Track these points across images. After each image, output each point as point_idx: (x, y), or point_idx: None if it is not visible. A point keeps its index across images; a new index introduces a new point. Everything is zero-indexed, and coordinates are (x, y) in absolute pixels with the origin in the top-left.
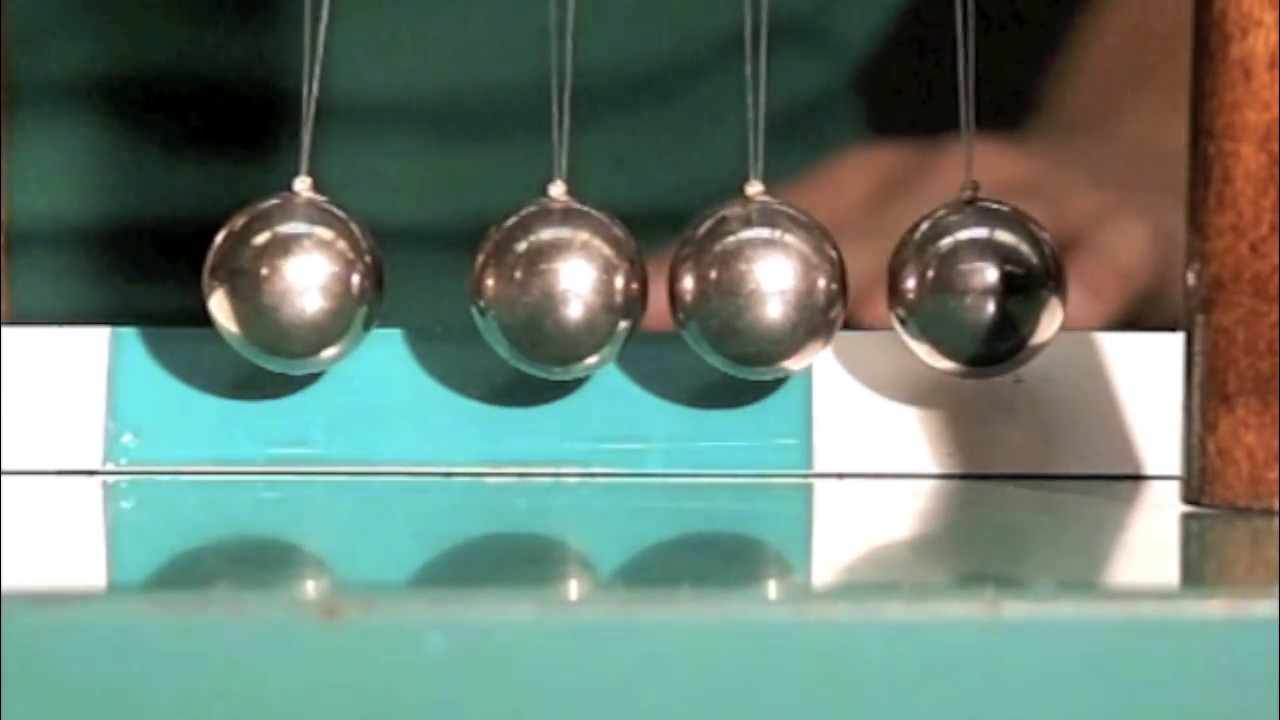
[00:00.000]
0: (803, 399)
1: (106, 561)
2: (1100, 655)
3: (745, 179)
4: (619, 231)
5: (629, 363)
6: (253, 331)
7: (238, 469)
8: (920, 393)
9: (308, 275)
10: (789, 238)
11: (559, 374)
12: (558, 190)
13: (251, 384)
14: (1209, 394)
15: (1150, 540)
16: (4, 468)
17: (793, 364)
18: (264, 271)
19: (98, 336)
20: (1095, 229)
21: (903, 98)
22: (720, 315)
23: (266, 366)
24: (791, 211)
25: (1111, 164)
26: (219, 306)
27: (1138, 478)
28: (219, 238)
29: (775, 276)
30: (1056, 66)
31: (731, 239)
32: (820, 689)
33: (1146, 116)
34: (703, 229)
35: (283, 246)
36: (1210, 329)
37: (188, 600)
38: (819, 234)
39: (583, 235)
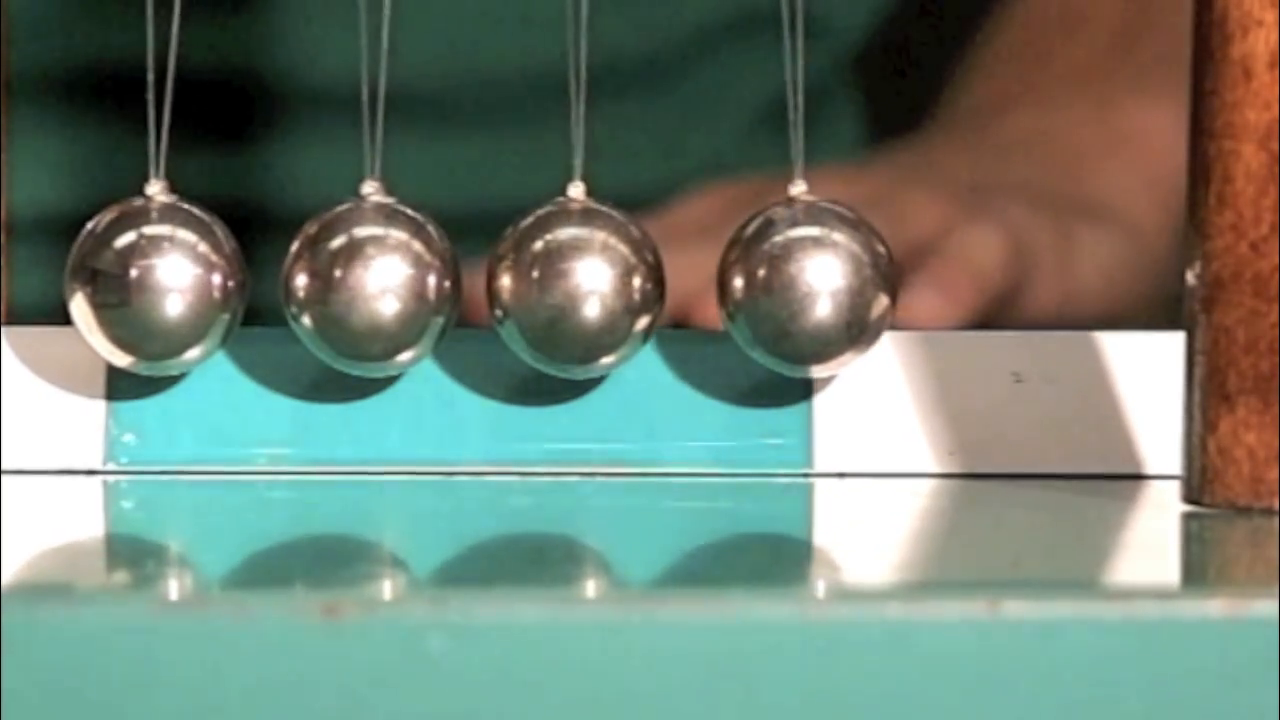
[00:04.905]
0: (803, 399)
1: (106, 561)
2: (1100, 655)
3: (739, 168)
4: (636, 231)
5: (630, 362)
6: (328, 336)
7: (238, 469)
8: (920, 392)
9: (384, 279)
10: (837, 236)
11: (578, 374)
12: (576, 190)
13: (251, 384)
14: (1209, 393)
15: (1150, 540)
16: (4, 468)
17: (834, 366)
18: (337, 275)
19: None
20: (945, 233)
21: (898, 84)
22: (773, 316)
23: (346, 371)
24: (840, 210)
25: (979, 166)
26: (295, 312)
27: (1138, 477)
28: (294, 245)
29: (825, 276)
30: (962, 64)
31: (779, 239)
32: (821, 689)
33: (1038, 106)
34: (750, 229)
35: (356, 250)
36: (1211, 328)
37: (188, 600)
38: (867, 231)
39: (601, 235)
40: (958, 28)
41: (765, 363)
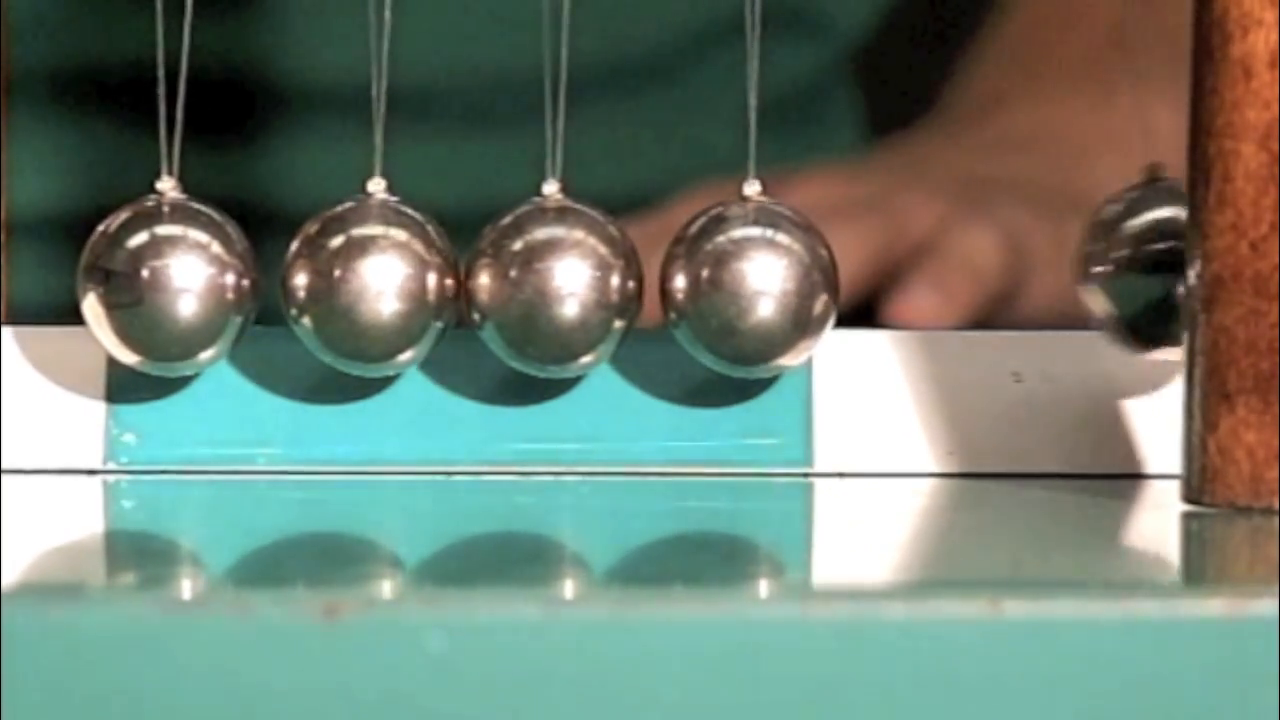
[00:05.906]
0: (803, 398)
1: (106, 562)
2: (1100, 655)
3: (735, 167)
4: (613, 230)
5: (627, 361)
6: (329, 335)
7: (238, 469)
8: (920, 392)
9: (384, 279)
10: (783, 237)
11: (555, 373)
12: (551, 189)
13: (250, 384)
14: (1209, 393)
15: (1150, 539)
16: (4, 468)
17: (786, 361)
18: (339, 274)
19: None
20: (944, 232)
21: (898, 84)
22: (716, 315)
23: (346, 371)
24: (788, 212)
25: (978, 163)
26: (295, 312)
27: (1138, 477)
28: (293, 245)
29: (770, 277)
30: (964, 60)
31: (724, 238)
32: (820, 689)
33: (1036, 102)
34: (695, 227)
35: (356, 250)
36: (1211, 328)
37: (188, 600)
38: (814, 235)
39: (577, 234)
40: (957, 26)
41: (705, 360)
